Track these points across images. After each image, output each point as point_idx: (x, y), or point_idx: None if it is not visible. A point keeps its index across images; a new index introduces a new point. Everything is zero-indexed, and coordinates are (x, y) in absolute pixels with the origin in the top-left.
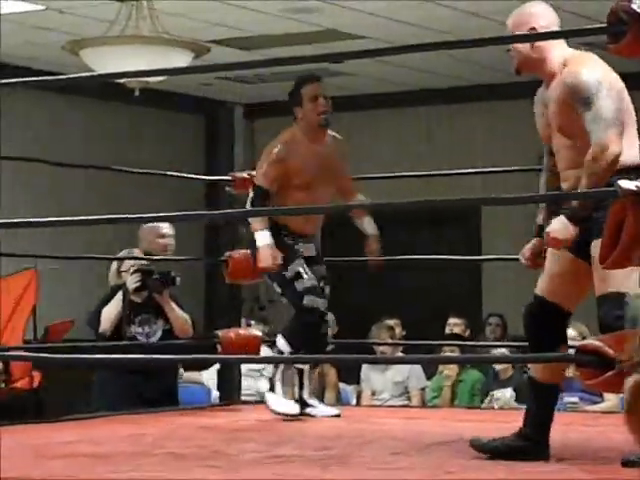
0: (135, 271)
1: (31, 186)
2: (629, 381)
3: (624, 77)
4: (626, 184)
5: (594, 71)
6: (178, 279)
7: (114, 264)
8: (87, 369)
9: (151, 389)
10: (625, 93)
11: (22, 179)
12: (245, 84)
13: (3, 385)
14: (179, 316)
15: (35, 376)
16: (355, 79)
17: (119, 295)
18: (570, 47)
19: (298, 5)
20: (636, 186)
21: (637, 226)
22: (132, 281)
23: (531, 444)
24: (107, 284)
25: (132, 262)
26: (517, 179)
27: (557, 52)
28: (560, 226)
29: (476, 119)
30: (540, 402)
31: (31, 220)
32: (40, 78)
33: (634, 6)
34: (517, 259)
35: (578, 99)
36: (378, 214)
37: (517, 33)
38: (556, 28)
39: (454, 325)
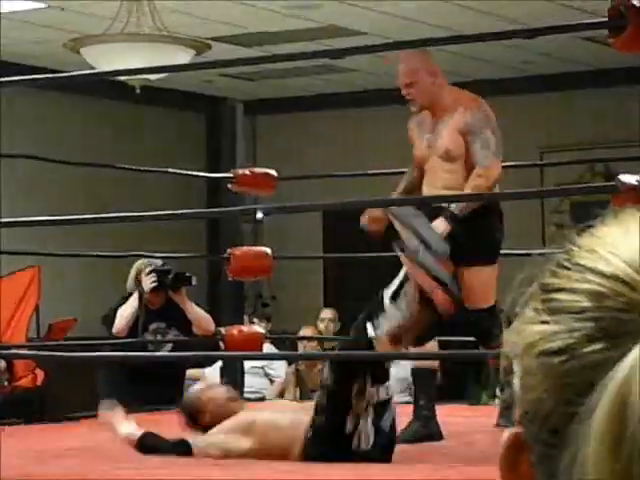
0: (151, 271)
1: (32, 184)
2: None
3: (624, 71)
4: (627, 178)
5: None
6: (194, 279)
7: (132, 271)
8: (91, 367)
9: (158, 393)
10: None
11: (23, 177)
12: (246, 81)
13: (6, 383)
14: (200, 315)
15: (38, 374)
16: (357, 75)
17: (135, 295)
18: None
19: (298, 2)
20: (637, 180)
21: None
22: (149, 281)
23: None
24: (109, 281)
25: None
26: (517, 174)
27: (447, 89)
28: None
29: None
30: None
31: (33, 219)
32: (41, 76)
33: (634, 0)
34: (518, 254)
35: (472, 131)
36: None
37: (417, 74)
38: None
39: None
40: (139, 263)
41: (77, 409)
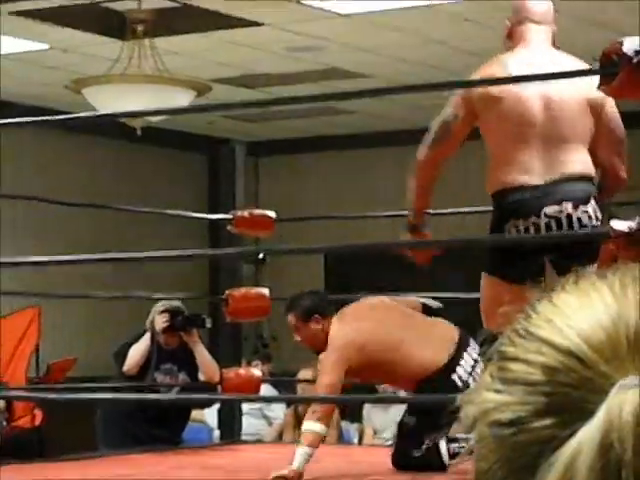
0: (163, 311)
1: (33, 224)
2: None
3: (631, 115)
4: (618, 225)
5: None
6: (208, 321)
7: (152, 310)
8: (91, 408)
9: (158, 435)
10: (521, 106)
11: (25, 217)
12: (248, 122)
13: (5, 424)
14: (208, 362)
15: (37, 414)
16: (359, 117)
17: (147, 335)
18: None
19: (300, 44)
20: (628, 227)
21: None
22: (160, 321)
23: None
24: (109, 321)
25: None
26: None
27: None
28: None
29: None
30: None
31: (33, 259)
32: (43, 117)
33: (625, 48)
34: None
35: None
36: (376, 253)
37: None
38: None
39: None
40: (159, 305)
41: (76, 449)
